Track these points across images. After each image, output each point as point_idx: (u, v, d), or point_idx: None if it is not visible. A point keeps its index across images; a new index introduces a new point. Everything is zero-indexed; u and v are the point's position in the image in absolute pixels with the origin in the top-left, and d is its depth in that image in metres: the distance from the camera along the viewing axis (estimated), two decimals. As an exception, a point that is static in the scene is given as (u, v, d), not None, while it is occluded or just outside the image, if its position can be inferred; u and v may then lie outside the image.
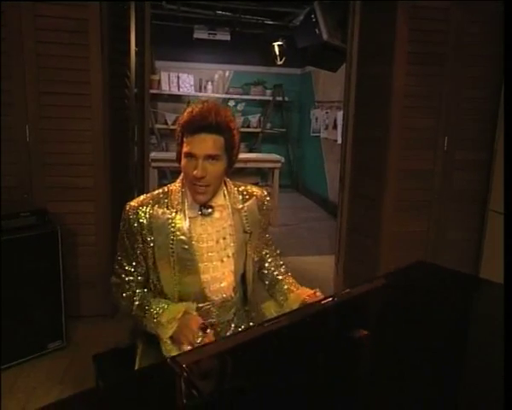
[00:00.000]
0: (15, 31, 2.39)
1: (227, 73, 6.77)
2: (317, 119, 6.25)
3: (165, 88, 6.41)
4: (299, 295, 1.42)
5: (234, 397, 0.79)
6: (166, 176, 5.94)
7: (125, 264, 1.42)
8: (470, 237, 3.00)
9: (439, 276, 1.41)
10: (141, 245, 1.37)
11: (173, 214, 1.36)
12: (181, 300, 1.38)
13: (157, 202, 1.38)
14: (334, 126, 5.56)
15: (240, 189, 1.48)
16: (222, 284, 1.41)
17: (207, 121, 1.26)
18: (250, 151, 6.52)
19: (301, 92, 6.99)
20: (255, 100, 6.80)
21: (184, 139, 1.28)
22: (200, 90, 6.68)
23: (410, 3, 2.70)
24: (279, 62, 6.32)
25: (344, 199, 3.14)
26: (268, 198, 1.53)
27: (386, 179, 2.91)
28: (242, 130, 6.67)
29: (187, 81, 6.60)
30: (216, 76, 6.68)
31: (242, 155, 6.16)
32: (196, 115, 1.27)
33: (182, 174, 1.41)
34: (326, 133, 5.92)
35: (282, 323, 1.04)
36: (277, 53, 6.27)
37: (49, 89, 2.47)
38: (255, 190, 1.50)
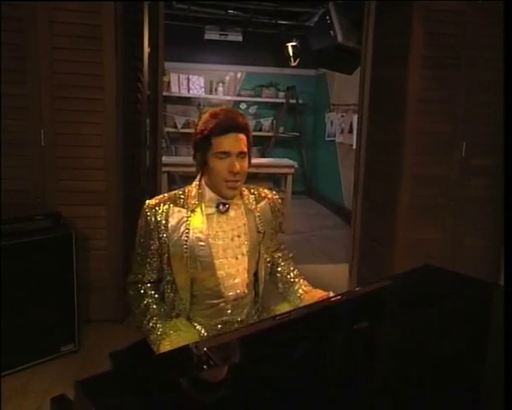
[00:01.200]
0: (31, 36, 2.60)
1: (238, 75, 6.97)
2: (332, 122, 6.39)
3: (174, 90, 6.64)
4: (313, 296, 1.57)
5: (251, 380, 0.93)
6: (176, 181, 6.14)
7: (141, 261, 1.59)
8: (488, 245, 3.11)
9: (444, 278, 1.54)
10: (157, 242, 1.54)
11: (189, 213, 1.53)
12: (193, 296, 1.55)
13: (174, 201, 1.56)
14: (350, 130, 5.69)
15: (252, 190, 1.66)
16: (236, 281, 1.56)
17: (237, 121, 1.47)
18: (262, 156, 6.68)
19: (315, 95, 7.15)
20: (267, 102, 6.98)
21: (213, 141, 1.46)
22: (211, 93, 6.89)
23: (425, 5, 2.84)
24: (293, 64, 6.50)
25: (358, 205, 3.27)
26: (279, 200, 1.71)
27: (401, 185, 3.04)
28: (254, 134, 6.71)
29: (197, 83, 6.82)
30: (227, 78, 6.88)
31: (254, 161, 6.33)
32: (225, 118, 1.47)
33: (197, 177, 1.59)
34: (341, 138, 6.06)
35: (292, 316, 1.19)
36: (291, 54, 6.45)
37: (63, 93, 2.67)
38: (267, 192, 1.69)
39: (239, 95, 6.94)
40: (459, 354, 1.13)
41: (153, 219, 1.53)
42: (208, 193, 1.55)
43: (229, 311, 1.58)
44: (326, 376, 1.02)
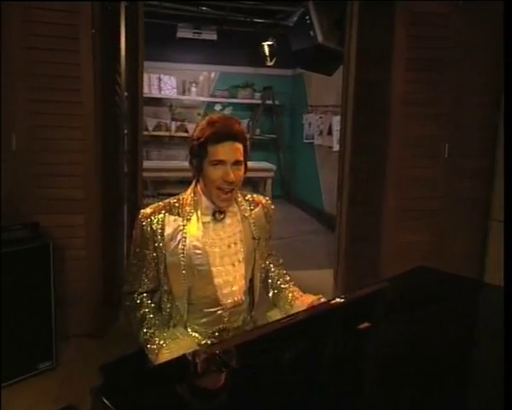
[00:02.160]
0: (4, 36, 2.59)
1: (212, 75, 7.04)
2: (310, 124, 6.55)
3: (145, 90, 6.59)
4: (304, 301, 1.65)
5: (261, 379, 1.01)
6: (147, 187, 6.14)
7: (137, 271, 1.64)
8: (474, 247, 3.29)
9: (440, 279, 1.66)
10: (153, 252, 1.60)
11: (185, 222, 1.59)
12: (191, 305, 1.61)
13: (169, 209, 1.61)
14: (329, 132, 5.85)
15: (246, 197, 1.74)
16: (234, 288, 1.63)
17: (233, 130, 1.54)
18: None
19: (293, 95, 7.30)
20: (243, 103, 7.08)
21: (209, 149, 1.53)
22: (184, 93, 6.93)
23: (408, 7, 3.00)
24: (269, 63, 6.63)
25: (343, 209, 3.40)
26: (272, 206, 1.81)
27: (387, 188, 3.18)
28: (229, 136, 6.93)
29: (169, 83, 6.85)
30: (201, 78, 6.94)
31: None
32: (221, 126, 1.54)
33: (193, 184, 1.65)
34: (320, 140, 6.21)
35: (296, 319, 1.28)
36: (267, 53, 6.58)
37: (38, 96, 2.67)
38: (261, 198, 1.78)
39: (213, 95, 7.01)
40: (459, 351, 1.24)
41: (148, 228, 1.58)
42: (204, 201, 1.61)
43: (226, 318, 1.65)
44: (332, 376, 1.11)
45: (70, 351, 2.81)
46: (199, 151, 1.56)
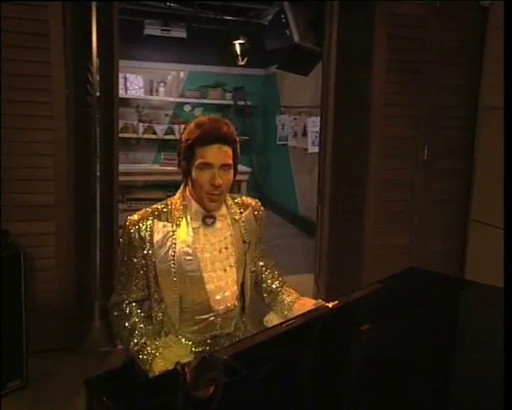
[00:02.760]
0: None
1: (181, 74, 7.00)
2: (283, 125, 6.62)
3: (110, 90, 6.53)
4: (304, 305, 1.68)
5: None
6: (114, 191, 6.05)
7: (125, 280, 1.62)
8: (453, 248, 3.42)
9: (432, 280, 1.73)
10: (142, 260, 1.59)
11: (174, 227, 1.59)
12: (182, 312, 1.61)
13: (157, 215, 1.61)
14: (304, 134, 5.93)
15: (236, 200, 1.74)
16: (226, 294, 1.64)
17: (221, 133, 1.54)
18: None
19: (265, 96, 7.35)
20: (214, 104, 7.07)
21: (197, 152, 1.54)
22: (151, 93, 6.86)
23: (387, 9, 3.10)
24: (241, 63, 6.65)
25: (324, 212, 3.46)
26: (262, 208, 1.81)
27: (367, 190, 3.27)
28: (200, 138, 6.91)
29: (135, 83, 6.76)
30: (169, 77, 6.89)
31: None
32: (209, 128, 1.54)
33: (181, 188, 1.65)
34: (295, 141, 6.29)
35: (298, 322, 1.31)
36: (238, 52, 6.59)
37: (6, 96, 2.59)
38: (250, 200, 1.79)
39: (182, 96, 6.96)
40: (457, 350, 1.29)
41: (136, 235, 1.58)
42: (194, 205, 1.61)
43: (218, 325, 1.66)
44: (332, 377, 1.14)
45: (41, 367, 2.73)
46: (186, 154, 1.56)
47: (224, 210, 1.67)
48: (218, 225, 1.64)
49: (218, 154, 1.53)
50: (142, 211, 1.63)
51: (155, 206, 1.65)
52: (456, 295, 1.65)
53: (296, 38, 4.26)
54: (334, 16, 3.18)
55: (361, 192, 3.30)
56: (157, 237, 1.58)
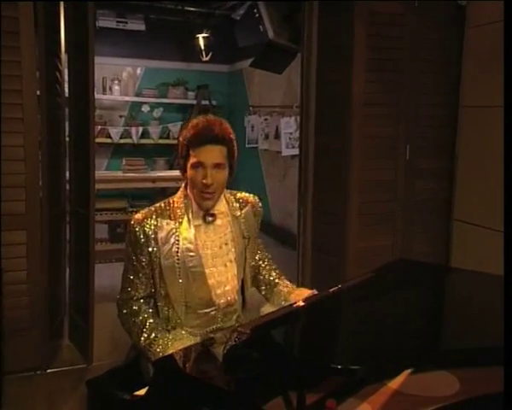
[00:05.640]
0: None
1: (138, 71, 7.25)
2: (253, 127, 6.97)
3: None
4: (300, 295, 2.02)
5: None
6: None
7: (132, 277, 1.93)
8: (437, 248, 3.86)
9: (421, 269, 2.12)
10: (147, 256, 1.90)
11: (177, 224, 1.91)
12: (186, 306, 1.92)
13: (160, 213, 1.93)
14: (277, 136, 6.30)
15: (236, 197, 2.09)
16: (226, 288, 1.97)
17: (213, 133, 1.85)
18: (171, 168, 7.00)
19: (232, 95, 7.70)
20: (175, 104, 7.34)
21: (191, 152, 1.86)
22: (104, 92, 7.03)
23: (367, 7, 3.52)
24: (205, 58, 6.97)
25: (307, 216, 3.82)
26: (260, 204, 2.17)
27: (349, 192, 3.66)
28: (160, 142, 7.16)
29: (86, 80, 6.94)
30: (124, 74, 7.11)
31: (162, 173, 6.64)
32: (202, 129, 1.86)
33: (182, 186, 1.99)
34: (266, 144, 6.66)
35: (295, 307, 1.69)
36: (202, 47, 6.91)
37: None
38: (248, 196, 2.14)
39: (140, 95, 7.17)
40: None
41: (142, 234, 1.89)
42: (194, 204, 1.94)
43: (219, 318, 1.99)
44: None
45: (12, 390, 2.90)
46: (183, 153, 1.89)
47: (224, 207, 2.00)
48: (219, 221, 1.97)
49: (210, 153, 1.84)
50: (146, 210, 1.96)
51: (158, 205, 1.98)
52: (447, 280, 2.05)
53: (271, 34, 4.62)
54: (313, 16, 3.57)
55: (342, 194, 3.67)
56: (161, 235, 1.90)
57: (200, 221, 1.94)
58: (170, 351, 1.78)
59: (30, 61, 2.90)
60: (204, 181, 1.84)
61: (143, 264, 1.91)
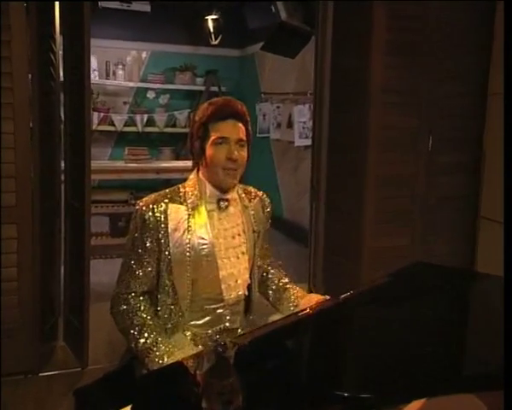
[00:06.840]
0: None
1: (144, 55, 7.16)
2: (264, 115, 6.86)
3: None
4: (310, 300, 1.95)
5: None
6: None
7: (134, 268, 1.84)
8: (461, 249, 3.72)
9: (439, 273, 2.01)
10: (155, 243, 1.81)
11: (189, 210, 1.85)
12: (192, 302, 1.85)
13: (171, 198, 1.86)
14: (289, 125, 6.18)
15: (245, 189, 2.05)
16: (238, 281, 1.91)
17: (236, 108, 1.84)
18: (177, 158, 6.93)
19: (242, 81, 7.58)
20: (182, 90, 7.25)
21: (211, 129, 1.81)
22: (108, 77, 6.96)
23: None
24: (214, 42, 6.85)
25: (319, 212, 3.71)
26: (268, 200, 2.11)
27: (365, 188, 3.53)
28: (166, 130, 7.09)
29: (88, 64, 6.87)
30: (128, 58, 7.04)
31: (167, 164, 6.56)
32: (223, 105, 1.84)
33: (194, 172, 1.93)
34: (278, 133, 6.54)
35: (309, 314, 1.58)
36: (211, 30, 6.80)
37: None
38: (258, 192, 2.10)
39: (145, 80, 7.09)
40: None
41: (151, 218, 1.82)
42: (208, 188, 1.88)
43: (228, 317, 1.92)
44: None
45: (3, 394, 2.84)
46: (200, 132, 1.84)
47: (235, 195, 1.95)
48: (231, 209, 1.92)
49: (233, 128, 1.82)
50: (155, 194, 1.88)
51: (168, 190, 1.91)
52: (462, 287, 1.93)
53: (283, 15, 4.51)
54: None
55: (358, 190, 3.55)
56: (171, 221, 1.83)
57: (214, 206, 1.89)
58: (168, 361, 1.70)
59: (20, 41, 2.82)
60: (230, 156, 1.80)
61: (150, 253, 1.83)
